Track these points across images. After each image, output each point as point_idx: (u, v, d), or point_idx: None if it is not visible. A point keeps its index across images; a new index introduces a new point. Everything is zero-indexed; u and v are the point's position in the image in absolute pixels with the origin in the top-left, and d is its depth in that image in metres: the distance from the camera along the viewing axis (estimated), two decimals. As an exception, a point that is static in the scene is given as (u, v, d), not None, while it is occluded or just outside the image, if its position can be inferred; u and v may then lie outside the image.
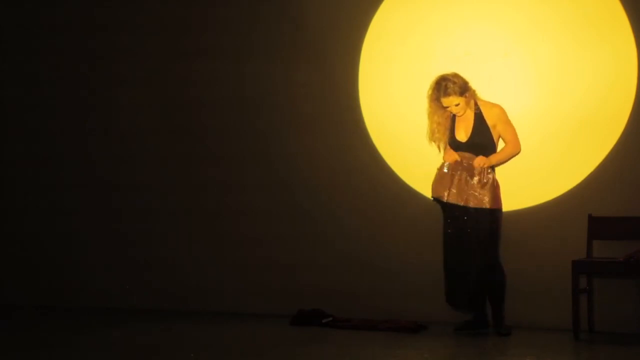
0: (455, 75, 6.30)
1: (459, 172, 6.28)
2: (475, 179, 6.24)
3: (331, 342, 6.11)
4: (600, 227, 6.37)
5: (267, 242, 7.35)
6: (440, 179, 6.35)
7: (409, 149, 6.92)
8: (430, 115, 6.40)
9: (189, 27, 7.63)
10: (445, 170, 6.33)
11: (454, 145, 6.38)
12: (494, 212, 6.29)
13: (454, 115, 6.39)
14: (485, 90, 6.42)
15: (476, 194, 6.23)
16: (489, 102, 6.39)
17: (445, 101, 6.29)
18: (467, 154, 6.32)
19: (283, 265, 7.28)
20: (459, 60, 6.63)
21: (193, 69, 7.60)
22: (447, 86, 6.25)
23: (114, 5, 7.86)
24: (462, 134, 6.36)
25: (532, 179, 6.54)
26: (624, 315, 6.32)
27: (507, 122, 6.35)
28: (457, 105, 6.29)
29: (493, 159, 6.32)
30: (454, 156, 6.34)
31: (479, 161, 6.26)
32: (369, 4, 7.08)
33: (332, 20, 7.21)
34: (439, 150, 6.48)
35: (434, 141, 6.46)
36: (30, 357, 5.61)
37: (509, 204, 6.42)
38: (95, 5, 7.92)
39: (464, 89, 6.28)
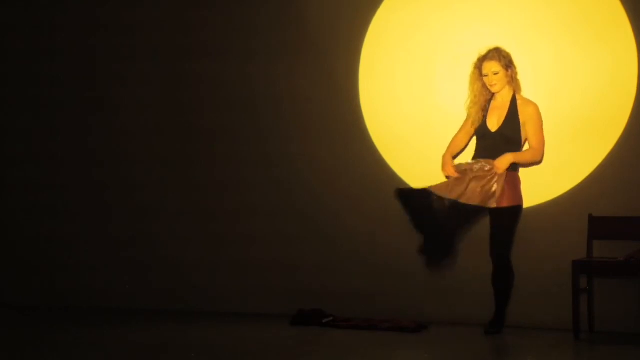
0: (505, 51, 6.25)
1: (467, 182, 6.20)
2: (479, 187, 6.13)
3: (331, 342, 6.11)
4: (600, 227, 6.36)
5: (267, 242, 7.35)
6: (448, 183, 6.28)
7: (410, 148, 6.92)
8: (471, 84, 6.32)
9: (189, 27, 7.63)
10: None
11: (481, 133, 6.27)
12: (512, 209, 6.20)
13: (490, 101, 6.30)
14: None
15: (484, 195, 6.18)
16: (527, 99, 6.29)
17: (486, 66, 6.21)
18: (472, 163, 6.20)
19: (283, 265, 7.28)
20: (459, 60, 6.63)
21: (193, 68, 7.60)
22: (493, 52, 6.21)
23: (114, 5, 7.87)
24: (494, 122, 6.24)
25: (532, 179, 6.53)
26: (624, 315, 6.32)
27: (538, 125, 6.21)
28: (495, 74, 6.19)
29: (516, 157, 6.14)
30: (449, 170, 6.27)
31: (499, 165, 6.09)
32: (369, 4, 7.08)
33: (332, 20, 7.21)
34: (470, 122, 6.36)
35: (469, 114, 6.35)
36: (30, 357, 5.60)
37: (509, 204, 6.42)
38: (95, 5, 7.93)
39: (508, 63, 6.21)
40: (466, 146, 6.47)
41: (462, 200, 6.11)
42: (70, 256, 7.88)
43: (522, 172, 6.45)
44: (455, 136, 6.44)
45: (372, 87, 7.10)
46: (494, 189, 6.12)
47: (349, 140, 7.16)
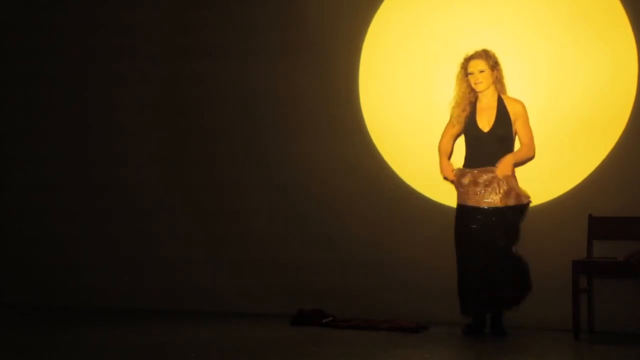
0: (493, 53, 6.27)
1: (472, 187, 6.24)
2: (489, 189, 6.18)
3: (331, 342, 6.11)
4: (600, 227, 6.37)
5: (267, 242, 7.35)
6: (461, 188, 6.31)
7: (410, 148, 6.92)
8: (456, 85, 6.33)
9: (189, 27, 7.63)
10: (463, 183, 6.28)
11: (473, 134, 6.27)
12: (518, 208, 6.24)
13: (475, 103, 6.30)
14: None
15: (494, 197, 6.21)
16: (513, 98, 6.33)
17: (472, 64, 6.23)
18: (477, 173, 6.19)
19: (283, 265, 7.29)
20: (459, 60, 6.62)
21: (194, 68, 7.60)
22: (480, 52, 6.25)
23: (114, 5, 7.87)
24: (485, 123, 6.25)
25: (532, 179, 6.54)
26: (624, 315, 6.32)
27: (527, 122, 6.28)
28: (481, 72, 6.22)
29: (515, 157, 6.20)
30: (449, 172, 6.30)
31: (503, 170, 6.15)
32: (369, 4, 7.09)
33: (332, 20, 7.21)
34: (452, 124, 6.37)
35: (451, 115, 6.36)
36: (30, 357, 5.61)
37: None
38: (95, 5, 7.93)
39: (494, 63, 6.24)
40: (452, 149, 6.48)
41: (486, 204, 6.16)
42: (70, 256, 7.88)
43: (522, 172, 6.45)
44: (441, 141, 6.43)
45: (372, 87, 7.10)
46: (505, 188, 6.16)
47: (349, 140, 7.16)
